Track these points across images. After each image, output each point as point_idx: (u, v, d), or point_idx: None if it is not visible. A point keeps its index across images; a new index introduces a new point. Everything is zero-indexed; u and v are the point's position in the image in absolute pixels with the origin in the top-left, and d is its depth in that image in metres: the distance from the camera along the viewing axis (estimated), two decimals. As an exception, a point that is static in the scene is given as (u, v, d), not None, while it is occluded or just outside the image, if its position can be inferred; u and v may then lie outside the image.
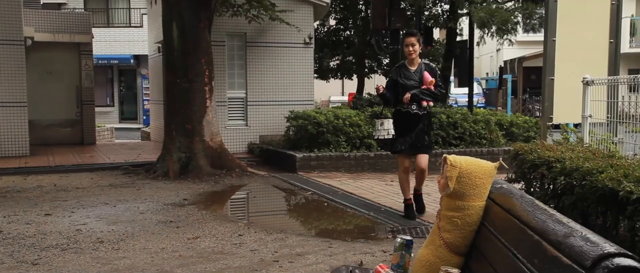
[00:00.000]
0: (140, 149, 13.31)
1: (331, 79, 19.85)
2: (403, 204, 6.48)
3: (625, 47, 23.02)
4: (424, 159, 6.13)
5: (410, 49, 5.98)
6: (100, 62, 25.30)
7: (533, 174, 4.79)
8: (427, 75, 5.98)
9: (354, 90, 20.19)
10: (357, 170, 9.84)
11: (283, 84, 12.57)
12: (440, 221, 2.56)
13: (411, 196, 6.31)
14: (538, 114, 19.46)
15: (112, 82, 28.58)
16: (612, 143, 5.34)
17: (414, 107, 6.00)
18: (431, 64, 6.26)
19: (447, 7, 15.55)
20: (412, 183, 6.39)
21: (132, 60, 27.39)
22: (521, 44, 25.42)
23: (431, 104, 6.15)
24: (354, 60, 18.87)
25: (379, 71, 19.42)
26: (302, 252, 4.99)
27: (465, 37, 15.50)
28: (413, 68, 6.08)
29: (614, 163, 3.93)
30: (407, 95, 5.94)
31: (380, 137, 6.29)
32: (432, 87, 5.97)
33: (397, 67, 6.29)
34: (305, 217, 7.17)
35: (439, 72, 6.24)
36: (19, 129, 11.54)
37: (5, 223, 6.01)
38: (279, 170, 9.98)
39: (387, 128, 6.18)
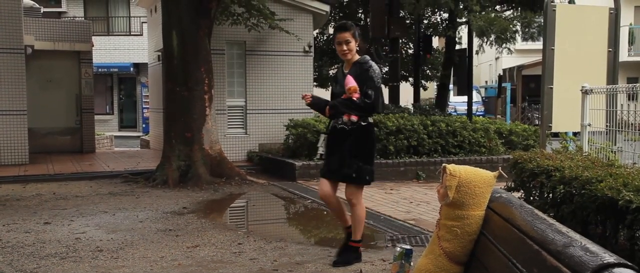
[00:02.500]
0: (139, 157, 13.30)
1: (330, 87, 19.88)
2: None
3: (623, 56, 23.09)
4: (349, 192, 4.76)
5: (344, 47, 4.70)
6: (100, 70, 25.33)
7: (532, 183, 4.80)
8: (349, 80, 4.63)
9: (353, 98, 20.21)
10: (356, 179, 9.82)
11: (282, 92, 12.59)
12: (439, 230, 2.56)
13: (350, 225, 4.91)
14: (537, 123, 19.48)
15: (112, 90, 28.60)
16: (612, 152, 5.34)
17: (339, 121, 4.71)
18: (368, 62, 4.76)
19: (446, 15, 15.61)
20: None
21: (131, 69, 27.43)
22: (520, 53, 25.47)
23: (354, 118, 4.67)
24: (353, 69, 18.90)
25: (378, 79, 19.44)
26: (302, 260, 4.98)
27: (465, 45, 15.54)
28: (347, 70, 4.80)
29: (613, 172, 3.93)
30: (327, 107, 4.83)
31: (320, 158, 5.03)
32: (355, 96, 4.60)
33: (337, 69, 5.15)
34: (305, 226, 7.16)
35: (376, 74, 4.69)
36: (18, 137, 11.54)
37: (4, 232, 6.00)
38: (278, 178, 9.97)
39: (320, 145, 4.95)
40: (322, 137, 4.92)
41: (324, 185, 4.81)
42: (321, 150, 4.90)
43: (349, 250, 4.84)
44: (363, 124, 4.68)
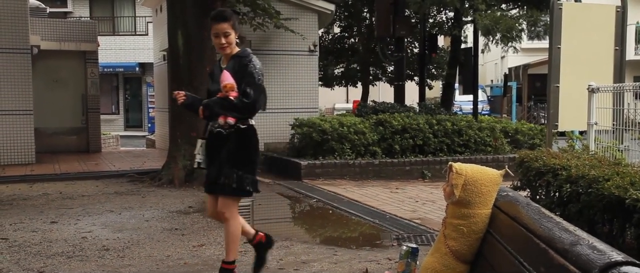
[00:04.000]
0: (145, 157, 13.33)
1: (336, 86, 19.91)
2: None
3: (630, 54, 22.99)
4: (223, 203, 4.07)
5: (222, 40, 4.01)
6: (105, 70, 25.42)
7: (539, 182, 4.78)
8: (225, 76, 3.94)
9: (358, 97, 20.23)
10: (362, 178, 9.83)
11: (288, 91, 12.59)
12: (445, 229, 2.56)
13: (255, 231, 4.45)
14: (543, 121, 19.43)
15: (118, 89, 28.69)
16: (618, 150, 5.32)
17: (215, 124, 4.04)
18: (249, 56, 4.09)
19: (451, 14, 15.58)
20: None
21: (137, 68, 27.50)
22: (526, 51, 25.40)
23: (231, 120, 3.98)
24: (358, 68, 18.92)
25: (383, 79, 19.46)
26: (307, 259, 4.98)
27: (470, 44, 15.53)
28: (225, 65, 4.13)
29: (620, 171, 3.92)
30: (200, 107, 4.06)
31: (198, 167, 4.23)
32: (232, 95, 3.92)
33: (215, 64, 4.42)
34: (310, 225, 7.16)
35: (257, 69, 4.04)
36: (25, 137, 11.59)
37: (11, 231, 6.02)
38: (283, 177, 9.98)
39: (196, 152, 4.18)
40: (200, 142, 4.16)
41: (209, 201, 4.18)
42: (199, 158, 4.13)
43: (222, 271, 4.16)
44: (242, 126, 4.00)
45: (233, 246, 4.14)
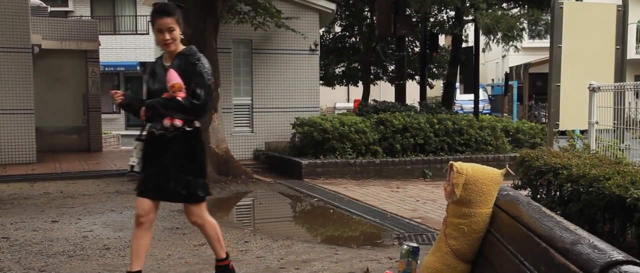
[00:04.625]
0: (146, 156, 13.33)
1: (337, 85, 19.92)
2: None
3: (631, 54, 22.98)
4: (190, 213, 4.00)
5: (167, 36, 3.75)
6: (106, 69, 25.42)
7: (539, 181, 4.78)
8: (172, 75, 3.69)
9: (359, 96, 20.23)
10: (362, 177, 9.84)
11: (289, 90, 12.59)
12: (446, 228, 2.56)
13: (140, 269, 3.91)
14: (544, 120, 19.41)
15: (119, 88, 28.62)
16: (619, 149, 5.32)
17: (158, 126, 3.77)
18: (196, 54, 3.84)
19: (452, 13, 15.58)
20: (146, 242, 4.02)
21: (138, 67, 27.51)
22: (527, 50, 25.40)
23: (179, 122, 3.71)
24: (359, 67, 18.92)
25: (384, 78, 19.46)
26: (308, 259, 4.98)
27: (471, 43, 15.52)
28: (168, 63, 3.88)
29: (621, 170, 3.91)
30: (142, 108, 3.77)
31: (131, 170, 3.99)
32: (180, 96, 3.66)
33: (155, 60, 4.11)
34: (311, 224, 7.16)
35: (206, 69, 3.79)
36: (26, 136, 11.60)
37: (12, 230, 6.03)
38: (284, 176, 9.98)
39: (132, 155, 3.97)
40: (136, 145, 3.91)
41: (144, 203, 3.85)
42: (132, 161, 3.90)
43: (220, 271, 4.11)
44: (188, 129, 3.75)
45: (218, 244, 4.05)
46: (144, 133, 3.91)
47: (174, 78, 3.65)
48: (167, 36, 3.74)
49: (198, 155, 3.87)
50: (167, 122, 3.70)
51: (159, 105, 3.70)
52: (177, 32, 3.77)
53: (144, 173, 3.87)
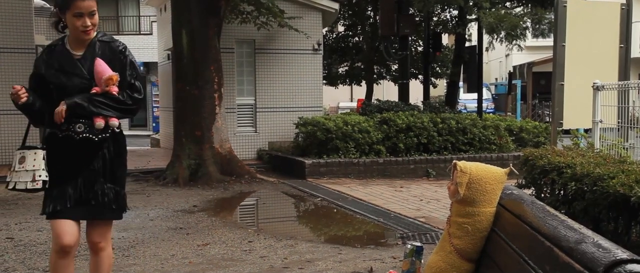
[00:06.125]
0: (149, 156, 13.36)
1: (340, 85, 19.90)
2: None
3: (635, 52, 22.87)
4: (99, 233, 3.30)
5: (87, 21, 3.12)
6: (110, 69, 25.43)
7: (543, 180, 4.78)
8: (102, 66, 3.11)
9: (362, 96, 20.22)
10: (366, 177, 9.83)
11: (292, 90, 12.60)
12: (450, 227, 2.55)
13: None
14: (548, 119, 19.38)
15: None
16: (623, 148, 5.31)
17: (80, 127, 3.11)
18: (117, 42, 3.31)
19: (455, 12, 15.55)
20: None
21: (141, 68, 27.56)
22: (530, 49, 25.34)
23: (116, 121, 3.17)
24: (362, 66, 18.91)
25: (387, 77, 19.45)
26: (312, 258, 4.98)
27: (474, 42, 15.49)
28: (79, 53, 3.18)
29: (625, 169, 3.91)
30: (61, 107, 3.08)
31: (18, 187, 3.11)
32: (114, 90, 3.12)
33: (48, 51, 3.30)
34: (315, 224, 7.16)
35: (133, 59, 3.31)
36: (28, 137, 11.60)
37: (17, 230, 6.05)
38: (288, 176, 9.98)
39: (31, 168, 3.12)
40: (36, 154, 3.17)
41: (65, 229, 3.14)
42: (44, 176, 3.10)
43: None
44: (117, 130, 3.21)
45: None
46: (45, 139, 3.28)
47: (106, 70, 3.09)
48: (88, 22, 3.11)
49: (124, 162, 3.33)
50: (99, 122, 3.10)
51: (89, 102, 3.07)
52: (97, 18, 3.19)
53: (57, 189, 3.11)
